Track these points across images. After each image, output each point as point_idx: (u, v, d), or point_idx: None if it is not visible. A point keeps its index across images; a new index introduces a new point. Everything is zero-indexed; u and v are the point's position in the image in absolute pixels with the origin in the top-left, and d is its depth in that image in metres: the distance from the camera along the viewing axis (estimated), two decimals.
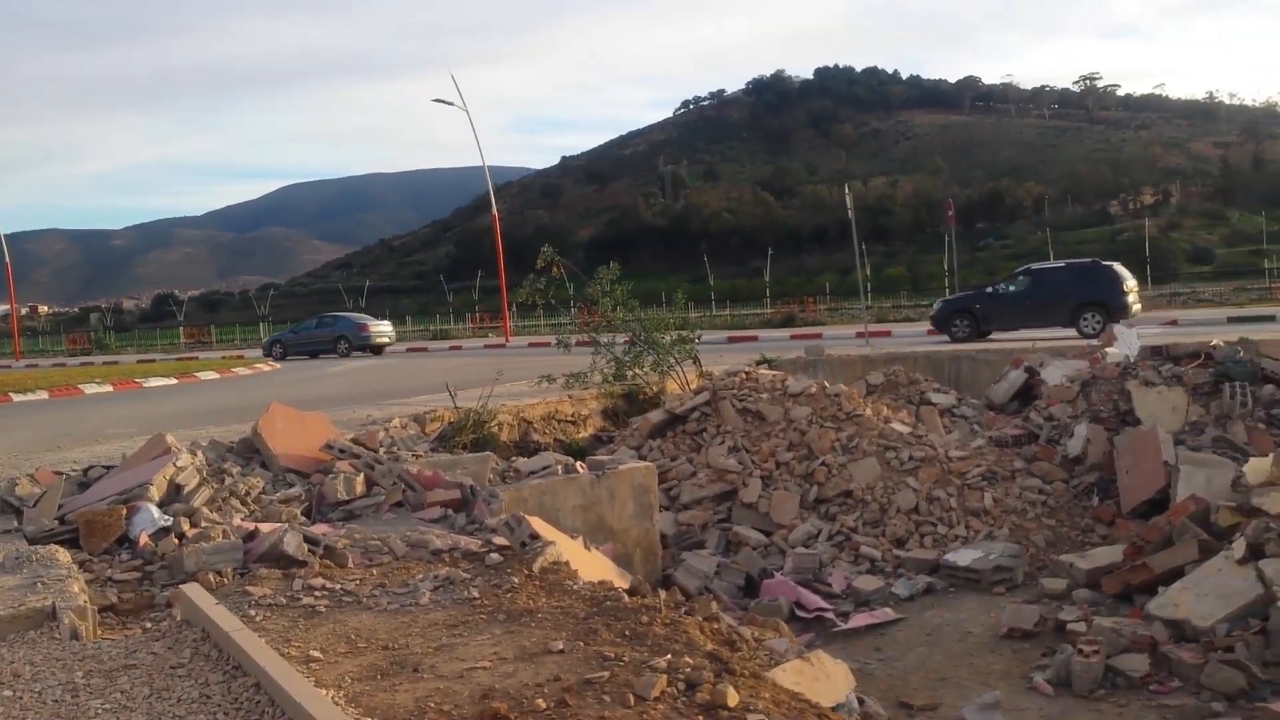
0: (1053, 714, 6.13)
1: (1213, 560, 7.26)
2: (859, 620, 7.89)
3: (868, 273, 32.81)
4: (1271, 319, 24.31)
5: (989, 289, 23.24)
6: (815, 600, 8.16)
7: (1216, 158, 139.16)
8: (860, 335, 24.55)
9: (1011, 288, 22.29)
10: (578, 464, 8.55)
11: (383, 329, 34.34)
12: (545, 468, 8.32)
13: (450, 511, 6.66)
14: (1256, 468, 8.21)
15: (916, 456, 10.18)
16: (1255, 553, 6.99)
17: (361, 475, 7.02)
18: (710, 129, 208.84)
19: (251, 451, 7.83)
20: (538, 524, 6.04)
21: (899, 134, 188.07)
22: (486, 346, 36.26)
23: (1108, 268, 21.96)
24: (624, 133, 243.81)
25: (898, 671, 6.98)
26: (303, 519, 6.37)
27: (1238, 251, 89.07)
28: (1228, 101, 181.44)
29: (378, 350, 33.08)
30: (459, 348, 37.83)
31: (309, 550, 5.31)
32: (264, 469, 7.54)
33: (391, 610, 4.56)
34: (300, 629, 4.30)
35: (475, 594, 4.76)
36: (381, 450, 8.21)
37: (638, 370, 13.98)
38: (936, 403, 12.79)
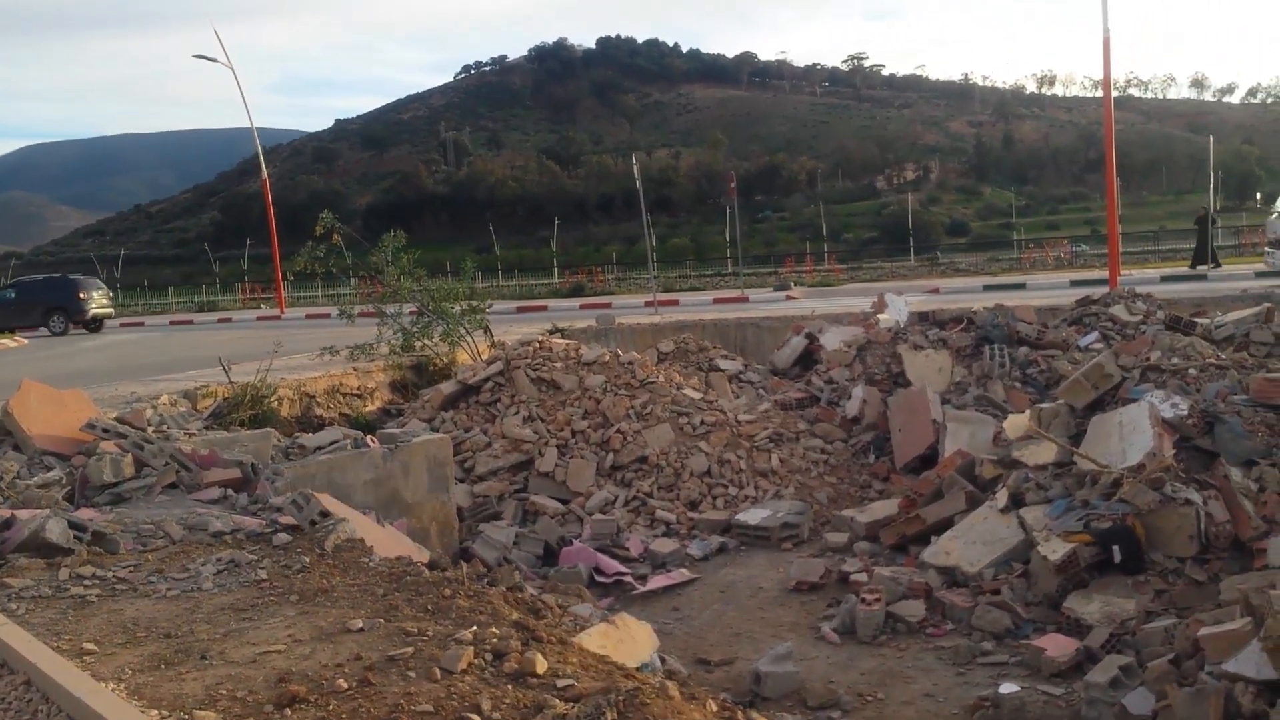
0: (840, 660, 6.43)
1: (978, 510, 7.80)
2: (657, 582, 8.03)
3: (654, 243, 33.31)
4: (1023, 286, 26.38)
5: None
6: (614, 565, 8.24)
7: (971, 136, 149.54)
8: (649, 304, 24.95)
9: (8, 294, 28.88)
10: (368, 438, 8.26)
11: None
12: (334, 443, 7.98)
13: (231, 492, 6.28)
14: (1014, 423, 8.88)
15: (708, 421, 10.43)
16: (1016, 501, 7.57)
17: (129, 456, 6.49)
18: (493, 95, 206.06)
19: (3, 433, 7.12)
20: (328, 501, 5.80)
21: (680, 106, 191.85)
22: (260, 319, 34.62)
23: (71, 280, 28.88)
24: (402, 96, 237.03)
25: (695, 629, 7.14)
26: (65, 504, 5.84)
27: (990, 224, 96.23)
28: (981, 84, 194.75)
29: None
30: (229, 320, 36.03)
31: (75, 537, 4.86)
32: (17, 452, 6.87)
33: (172, 597, 4.25)
34: (70, 620, 3.95)
35: (264, 576, 4.51)
36: (150, 429, 7.64)
37: (427, 341, 13.66)
38: (725, 369, 13.15)
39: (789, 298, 27.70)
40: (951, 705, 5.68)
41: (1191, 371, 8.69)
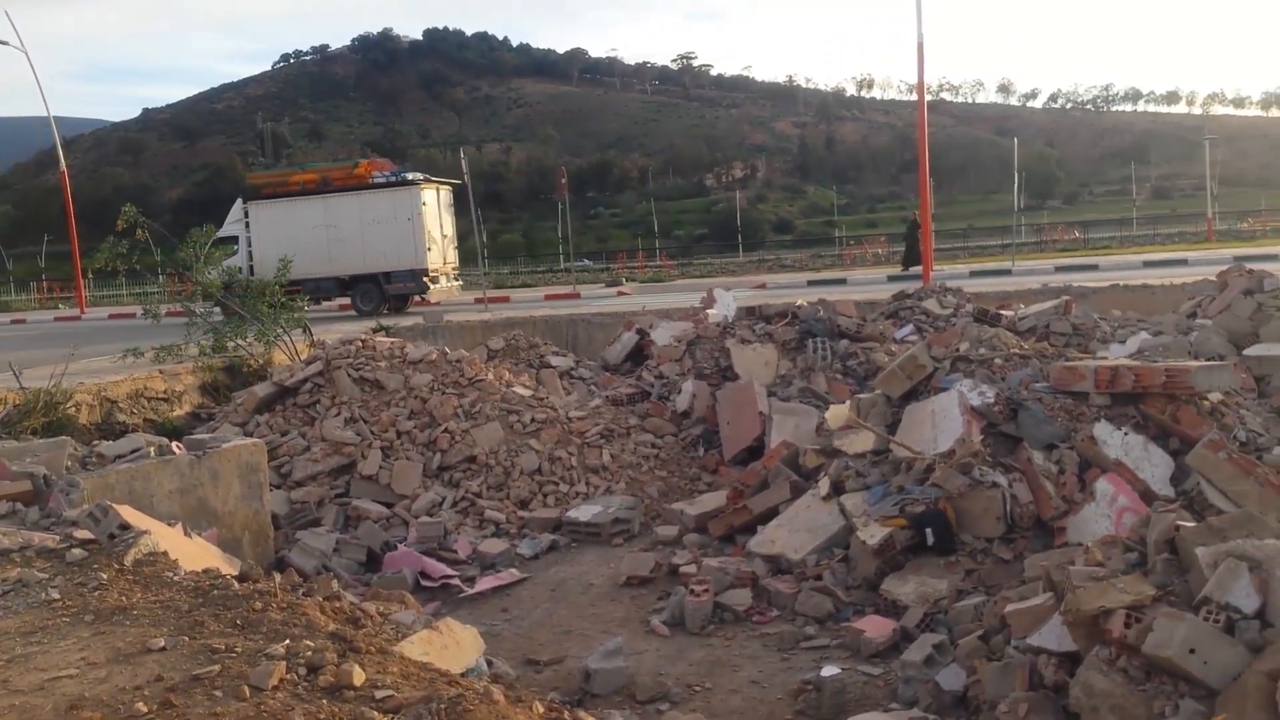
0: (669, 653, 6.47)
1: (802, 498, 8.00)
2: (485, 584, 7.89)
3: (484, 239, 32.91)
4: (843, 281, 27.39)
5: None
6: (440, 568, 8.06)
7: (795, 136, 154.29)
8: (479, 301, 24.64)
9: None
10: (174, 444, 7.79)
11: None
12: (135, 450, 7.49)
13: (20, 506, 5.80)
14: (836, 414, 9.14)
15: (538, 419, 10.34)
16: (837, 489, 7.80)
17: None
18: (314, 86, 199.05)
19: None
20: (129, 513, 5.42)
21: (511, 101, 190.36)
22: (59, 319, 32.48)
23: None
24: (215, 86, 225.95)
25: (524, 630, 7.06)
26: None
27: (814, 222, 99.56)
28: (804, 85, 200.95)
29: None
30: (23, 321, 33.61)
31: None
32: None
33: None
34: None
35: (55, 595, 4.18)
36: None
37: (240, 341, 13.06)
38: (556, 365, 13.09)
39: (620, 294, 27.89)
40: (776, 691, 5.79)
41: (997, 361, 9.14)
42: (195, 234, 13.64)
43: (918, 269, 28.08)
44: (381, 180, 24.61)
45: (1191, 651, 3.89)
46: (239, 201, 24.93)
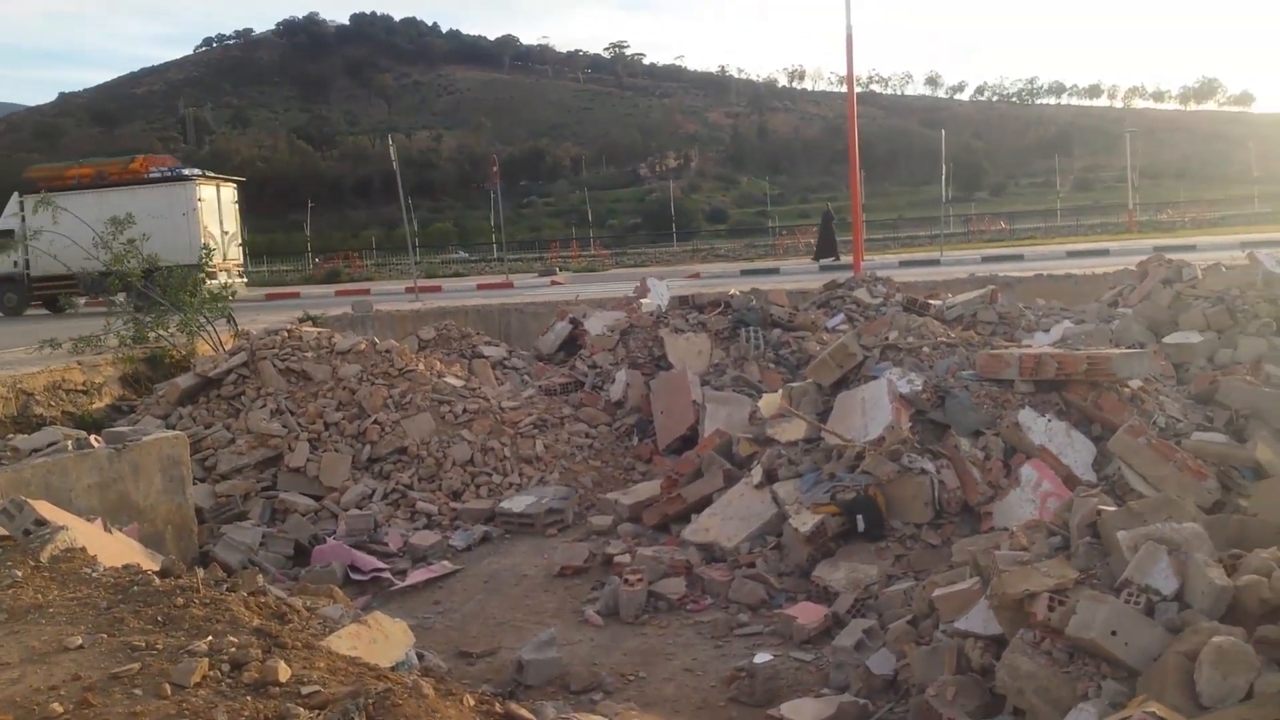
0: (603, 642, 6.46)
1: (735, 487, 8.04)
2: (416, 576, 7.80)
3: (415, 228, 32.52)
4: (776, 271, 27.61)
5: None
6: (371, 561, 7.94)
7: (728, 126, 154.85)
8: (410, 290, 24.35)
9: None
10: (93, 438, 7.57)
11: None
12: (52, 444, 7.26)
13: None
14: (768, 402, 9.22)
15: (470, 409, 10.24)
16: (770, 477, 7.85)
17: None
18: (237, 71, 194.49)
19: None
20: (44, 508, 5.25)
21: (441, 88, 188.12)
22: None
23: None
24: (135, 69, 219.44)
25: (456, 622, 6.99)
26: None
27: (747, 212, 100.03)
28: (737, 75, 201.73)
29: None
30: None
31: None
32: None
33: None
34: None
35: None
36: None
37: (162, 331, 12.73)
38: (488, 355, 12.99)
39: (554, 283, 27.77)
40: (710, 678, 5.81)
41: (925, 349, 9.28)
42: (115, 221, 13.25)
43: (829, 260, 28.58)
44: (157, 175, 24.66)
45: (1113, 633, 3.99)
46: (15, 195, 24.57)
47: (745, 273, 27.32)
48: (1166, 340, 10.12)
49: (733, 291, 13.42)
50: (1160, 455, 6.96)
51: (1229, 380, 8.60)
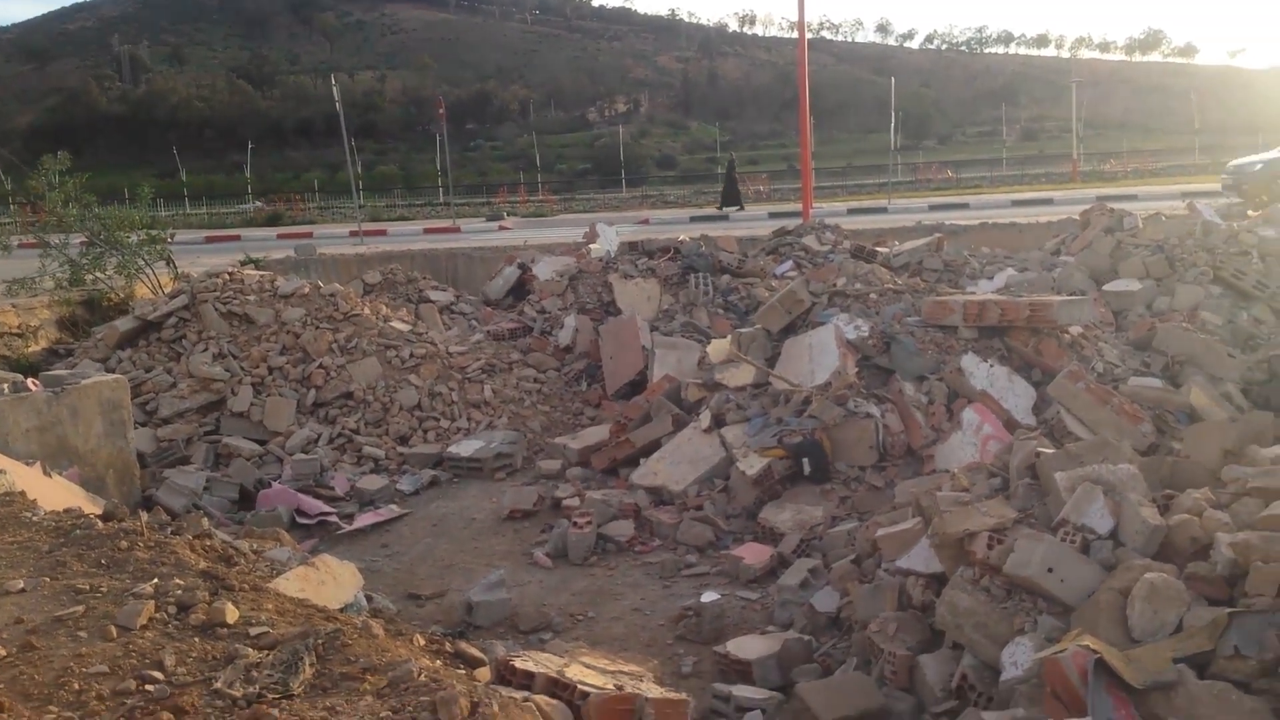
0: (552, 584, 6.52)
1: (684, 431, 8.11)
2: (364, 520, 7.79)
3: (359, 170, 31.92)
4: (725, 218, 27.57)
5: None
6: (317, 505, 7.90)
7: (678, 71, 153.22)
8: (354, 234, 23.99)
9: None
10: (29, 381, 7.41)
11: None
12: None
13: None
14: (717, 348, 9.26)
15: (417, 354, 10.16)
16: (718, 421, 7.92)
17: None
18: (174, 7, 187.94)
19: None
20: None
21: (385, 27, 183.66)
22: None
23: None
24: (67, 4, 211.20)
25: (405, 565, 7.00)
26: None
27: (696, 158, 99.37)
28: (687, 20, 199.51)
29: None
30: None
31: None
32: None
33: None
34: None
35: None
36: None
37: (99, 274, 12.43)
38: (435, 300, 12.86)
39: (501, 228, 27.51)
40: (658, 617, 5.90)
41: (872, 296, 9.37)
42: (49, 161, 12.87)
43: (733, 209, 28.75)
44: None
45: (1049, 570, 4.10)
46: None
47: (695, 219, 27.27)
48: (1107, 288, 10.31)
49: (682, 238, 13.40)
50: (1098, 399, 7.12)
51: (1166, 327, 8.81)
